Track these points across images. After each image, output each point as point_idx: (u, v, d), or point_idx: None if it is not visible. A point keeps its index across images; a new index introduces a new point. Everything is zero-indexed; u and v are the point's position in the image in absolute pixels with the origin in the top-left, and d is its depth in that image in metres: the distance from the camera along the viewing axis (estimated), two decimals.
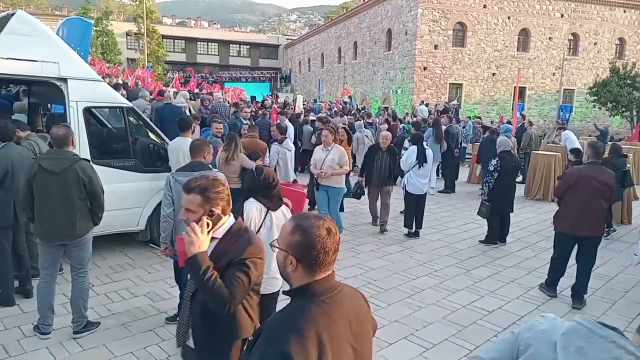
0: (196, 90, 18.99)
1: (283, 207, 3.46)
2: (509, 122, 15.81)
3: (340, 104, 22.72)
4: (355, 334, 1.57)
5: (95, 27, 32.33)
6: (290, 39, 57.31)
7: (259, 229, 3.31)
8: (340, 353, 1.48)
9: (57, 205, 3.91)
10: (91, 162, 4.30)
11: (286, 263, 1.55)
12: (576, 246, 5.30)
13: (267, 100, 20.96)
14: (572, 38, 32.14)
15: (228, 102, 13.79)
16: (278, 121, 9.91)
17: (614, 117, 28.58)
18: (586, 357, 1.16)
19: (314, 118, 13.67)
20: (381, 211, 7.83)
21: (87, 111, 5.84)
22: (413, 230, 7.61)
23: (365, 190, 7.98)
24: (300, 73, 50.70)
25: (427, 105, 23.20)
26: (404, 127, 12.36)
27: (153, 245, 6.34)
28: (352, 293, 1.68)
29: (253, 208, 3.33)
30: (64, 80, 5.44)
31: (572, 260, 5.33)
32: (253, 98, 20.71)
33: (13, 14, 5.40)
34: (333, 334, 1.48)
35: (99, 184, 4.09)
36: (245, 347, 1.57)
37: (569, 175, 5.39)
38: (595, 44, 32.49)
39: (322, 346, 1.42)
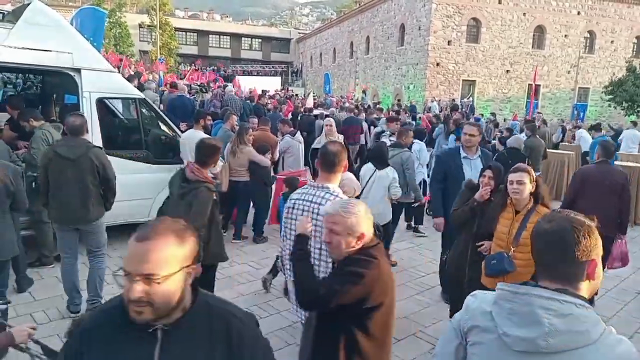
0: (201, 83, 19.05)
1: (388, 168, 5.15)
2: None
3: (352, 99, 22.62)
4: None
5: (109, 18, 32.45)
6: (302, 33, 57.14)
7: (367, 182, 5.07)
8: None
9: (71, 191, 4.03)
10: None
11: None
12: None
13: (277, 94, 20.94)
14: (588, 36, 31.68)
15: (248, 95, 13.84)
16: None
17: (629, 116, 28.13)
18: (518, 315, 1.31)
19: (327, 112, 13.64)
20: None
21: (100, 102, 5.87)
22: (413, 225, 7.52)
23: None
24: (311, 67, 50.57)
25: (439, 102, 23.04)
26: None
27: None
28: None
29: (367, 169, 5.22)
30: (78, 70, 5.48)
31: None
32: (265, 92, 20.73)
33: (29, 4, 5.43)
34: None
35: (111, 170, 4.22)
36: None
37: (575, 178, 5.33)
38: (612, 42, 32.00)
39: None
